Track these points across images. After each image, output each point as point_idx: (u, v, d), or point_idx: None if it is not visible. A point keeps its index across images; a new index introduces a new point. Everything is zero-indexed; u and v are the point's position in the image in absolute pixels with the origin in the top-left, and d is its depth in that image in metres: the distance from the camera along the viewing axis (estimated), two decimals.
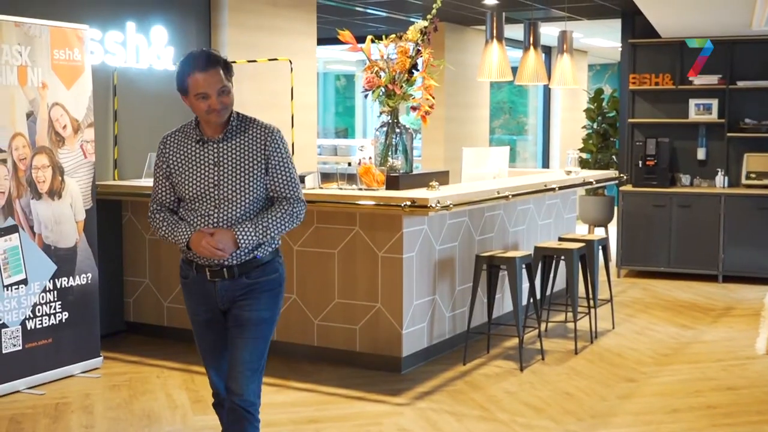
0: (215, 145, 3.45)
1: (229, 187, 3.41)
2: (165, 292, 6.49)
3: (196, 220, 3.43)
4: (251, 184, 3.43)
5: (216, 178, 3.41)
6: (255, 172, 3.44)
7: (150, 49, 6.68)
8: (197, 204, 3.43)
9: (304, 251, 5.89)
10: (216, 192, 3.40)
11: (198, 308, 3.62)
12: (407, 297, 5.64)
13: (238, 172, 3.42)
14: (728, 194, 8.94)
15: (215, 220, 3.41)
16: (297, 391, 5.32)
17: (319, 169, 6.85)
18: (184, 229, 3.44)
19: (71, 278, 5.59)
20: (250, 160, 3.45)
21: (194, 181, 3.43)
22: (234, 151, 3.44)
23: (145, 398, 5.20)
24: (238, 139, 3.46)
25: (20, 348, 5.29)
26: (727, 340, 6.61)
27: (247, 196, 3.43)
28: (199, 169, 3.43)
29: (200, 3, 7.36)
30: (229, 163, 3.43)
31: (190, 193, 3.44)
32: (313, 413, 4.95)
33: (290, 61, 6.97)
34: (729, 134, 9.26)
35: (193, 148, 3.47)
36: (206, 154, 3.45)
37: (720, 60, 9.32)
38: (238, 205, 3.43)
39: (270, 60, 7.23)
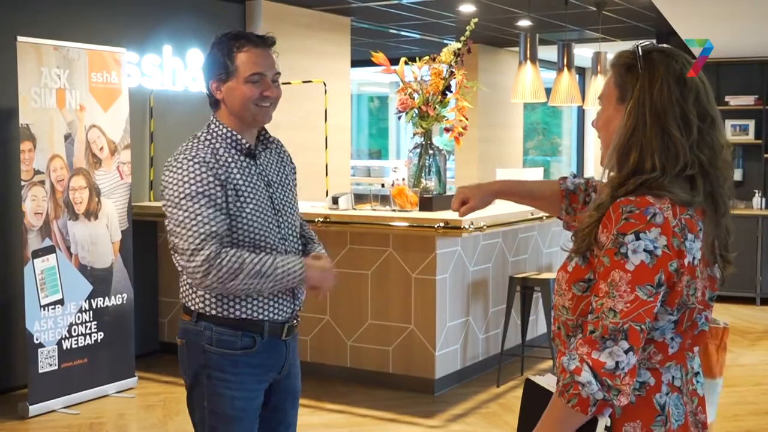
0: (261, 160, 2.71)
1: (287, 214, 2.72)
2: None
3: None
4: (297, 209, 2.81)
5: (272, 203, 2.67)
6: (295, 195, 2.82)
7: (186, 72, 6.76)
8: (261, 239, 2.61)
9: (338, 272, 5.88)
10: (277, 222, 2.68)
11: (257, 390, 2.69)
12: (440, 318, 5.62)
13: (287, 193, 2.75)
14: (766, 216, 8.83)
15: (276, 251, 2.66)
16: (330, 413, 5.32)
17: (352, 190, 6.87)
18: (291, 258, 2.60)
19: (107, 298, 5.64)
20: (289, 180, 2.80)
21: (258, 210, 2.62)
22: (275, 168, 2.75)
23: (180, 419, 5.22)
24: (270, 152, 2.77)
25: (56, 368, 5.34)
26: (765, 364, 6.51)
27: (298, 223, 2.81)
28: (258, 193, 2.63)
29: (236, 25, 7.44)
30: (278, 183, 2.73)
31: (255, 227, 2.60)
32: None
33: (324, 83, 7.02)
34: (766, 155, 9.16)
35: (244, 164, 2.64)
36: (257, 171, 2.67)
37: (756, 80, 9.23)
38: (297, 237, 2.76)
39: (304, 82, 7.28)
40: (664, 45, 1.90)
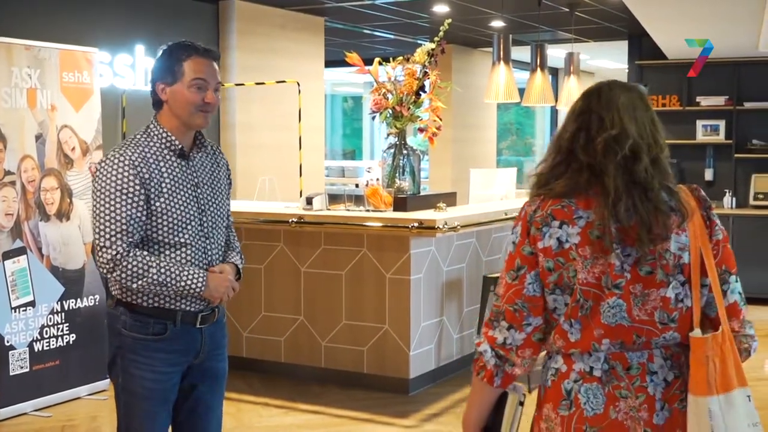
0: (193, 161, 2.87)
1: (212, 214, 2.87)
2: None
3: (179, 256, 2.77)
4: (227, 210, 2.97)
5: (197, 203, 2.83)
6: (226, 197, 2.97)
7: None
8: (182, 236, 2.77)
9: (312, 273, 5.89)
10: (200, 221, 2.82)
11: (168, 372, 2.83)
12: (415, 318, 5.63)
13: (216, 194, 2.91)
14: (736, 215, 8.92)
15: (204, 254, 2.83)
16: (305, 413, 5.31)
17: (326, 191, 6.87)
18: (194, 271, 2.76)
19: (79, 300, 5.60)
20: (221, 182, 2.95)
21: (181, 208, 2.78)
22: (207, 170, 2.90)
23: None
24: (203, 155, 2.92)
25: (27, 370, 5.29)
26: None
27: (225, 224, 2.96)
28: (183, 192, 2.79)
29: (209, 26, 7.41)
30: (207, 184, 2.88)
31: (176, 224, 2.77)
32: None
33: (298, 84, 7.01)
34: (736, 155, 9.25)
35: (175, 164, 2.81)
36: (187, 173, 2.83)
37: (726, 81, 9.33)
38: (222, 236, 2.92)
39: (278, 82, 7.27)
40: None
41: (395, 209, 5.77)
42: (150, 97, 2.89)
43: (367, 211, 5.77)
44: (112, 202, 2.68)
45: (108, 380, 5.72)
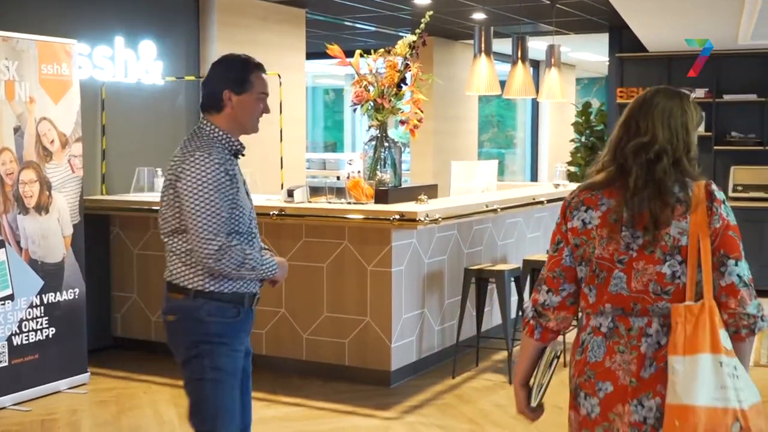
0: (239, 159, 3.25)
1: (252, 205, 3.27)
2: (153, 307, 6.46)
3: (255, 245, 3.22)
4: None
5: (248, 197, 3.24)
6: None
7: (138, 64, 6.68)
8: (252, 226, 3.20)
9: (293, 265, 5.86)
10: (252, 214, 3.23)
11: (240, 350, 3.24)
12: (396, 311, 5.63)
13: (249, 191, 3.30)
14: None
15: (257, 244, 3.24)
16: (286, 406, 5.31)
17: (307, 183, 6.85)
18: (269, 257, 3.21)
19: (58, 293, 5.56)
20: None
21: (248, 202, 3.19)
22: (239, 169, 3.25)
23: (133, 414, 5.18)
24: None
25: (6, 364, 5.25)
26: None
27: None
28: (243, 188, 3.19)
29: (189, 17, 7.37)
30: (243, 179, 3.24)
31: (249, 216, 3.19)
32: (302, 428, 4.93)
33: (279, 76, 6.97)
34: (716, 147, 9.31)
35: (234, 163, 3.17)
36: (239, 170, 3.21)
37: (707, 74, 9.37)
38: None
39: None
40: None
41: (376, 201, 5.77)
42: (206, 99, 3.22)
43: (349, 203, 5.76)
44: (212, 199, 3.00)
45: (88, 374, 5.72)
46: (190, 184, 3.01)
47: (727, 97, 9.23)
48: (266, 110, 3.24)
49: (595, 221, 2.36)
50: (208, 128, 3.15)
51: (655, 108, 2.39)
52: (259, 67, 3.20)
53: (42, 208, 5.47)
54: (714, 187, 2.34)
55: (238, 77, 3.15)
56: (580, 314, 2.46)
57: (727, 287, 2.26)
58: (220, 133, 3.14)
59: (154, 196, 6.40)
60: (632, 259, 2.30)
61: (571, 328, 2.57)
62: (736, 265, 2.27)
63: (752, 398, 2.22)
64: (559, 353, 2.52)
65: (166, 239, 3.16)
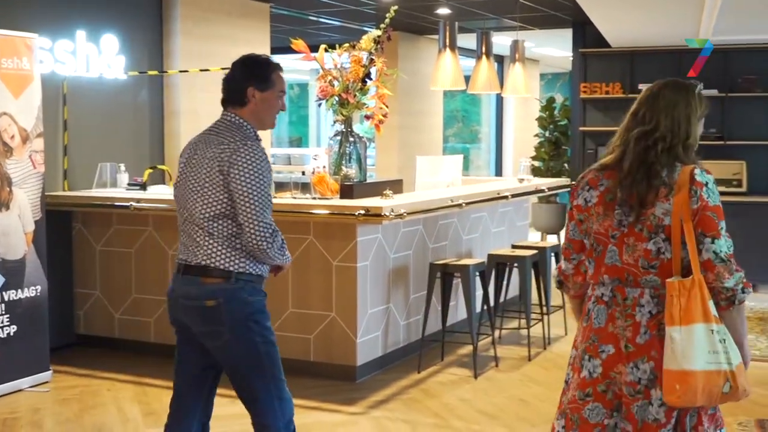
0: None
1: None
2: (116, 303, 6.41)
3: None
4: None
5: None
6: None
7: (100, 58, 6.61)
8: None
9: None
10: None
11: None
12: (361, 306, 5.63)
13: None
14: None
15: None
16: None
17: (273, 178, 6.84)
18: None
19: (20, 291, 5.50)
20: None
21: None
22: None
23: (96, 412, 5.13)
24: None
25: None
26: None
27: None
28: None
29: (152, 12, 7.30)
30: None
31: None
32: None
33: None
34: None
35: None
36: None
37: (669, 68, 9.46)
38: None
39: (223, 69, 7.14)
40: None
41: (342, 197, 5.76)
42: (229, 94, 3.44)
43: (314, 198, 5.75)
44: (264, 187, 3.21)
45: (50, 372, 5.66)
46: (246, 173, 3.19)
47: None
48: (283, 107, 3.45)
49: (594, 200, 2.66)
50: (240, 121, 3.35)
51: (661, 100, 2.66)
52: (279, 67, 3.43)
53: (2, 204, 5.40)
54: (697, 171, 2.55)
55: (262, 75, 3.36)
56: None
57: (704, 263, 2.51)
58: (250, 127, 3.35)
59: (117, 192, 6.34)
60: (623, 235, 2.59)
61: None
62: (713, 242, 2.50)
63: (737, 359, 2.51)
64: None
65: (206, 223, 3.24)
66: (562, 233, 11.02)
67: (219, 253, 3.24)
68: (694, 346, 2.46)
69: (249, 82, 3.35)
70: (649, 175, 2.56)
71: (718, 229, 2.51)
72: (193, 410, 3.54)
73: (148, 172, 6.52)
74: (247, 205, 3.19)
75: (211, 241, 3.24)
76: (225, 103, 3.43)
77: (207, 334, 3.31)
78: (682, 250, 2.52)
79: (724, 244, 2.51)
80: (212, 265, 3.24)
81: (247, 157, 3.21)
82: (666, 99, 2.67)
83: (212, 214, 3.23)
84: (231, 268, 3.25)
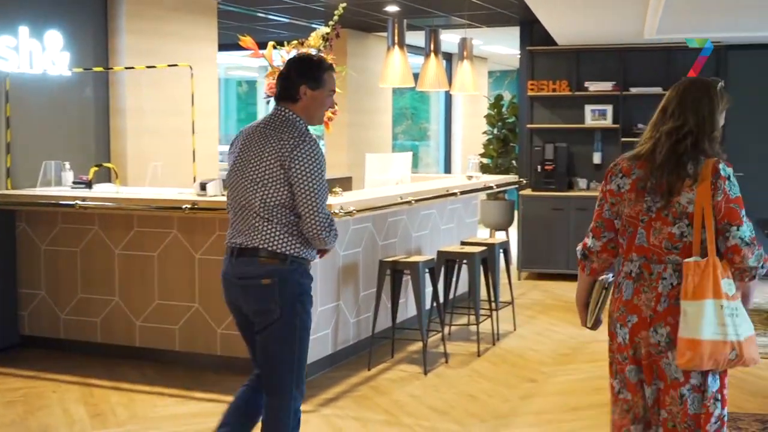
0: None
1: None
2: (62, 303, 6.31)
3: None
4: None
5: None
6: None
7: (44, 55, 6.50)
8: None
9: (207, 259, 5.81)
10: None
11: None
12: None
13: None
14: None
15: None
16: (200, 402, 5.25)
17: (221, 176, 6.77)
18: None
19: None
20: None
21: None
22: None
23: (42, 414, 5.05)
24: None
25: None
26: None
27: None
28: None
29: (97, 8, 7.20)
30: None
31: None
32: (216, 424, 4.87)
33: (191, 67, 6.88)
34: (623, 139, 9.54)
35: None
36: None
37: (614, 67, 9.61)
38: None
39: (170, 66, 7.12)
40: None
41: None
42: (283, 91, 3.63)
43: None
44: (322, 181, 3.49)
45: None
46: (306, 168, 3.45)
47: (633, 90, 9.47)
48: (332, 105, 3.72)
49: (626, 186, 3.00)
50: (293, 116, 3.58)
51: (687, 97, 2.97)
52: (331, 68, 3.68)
53: None
54: (721, 165, 2.89)
55: (315, 75, 3.60)
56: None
57: (732, 248, 2.86)
58: (303, 122, 3.59)
59: (62, 191, 6.25)
60: (651, 219, 2.95)
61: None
62: (738, 230, 2.86)
63: (748, 331, 2.88)
64: (607, 285, 3.16)
65: (266, 211, 3.49)
66: (511, 229, 11.11)
67: (276, 237, 3.50)
68: (703, 319, 2.82)
69: (302, 80, 3.58)
70: (677, 167, 2.90)
71: (740, 217, 2.87)
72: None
73: (93, 170, 6.43)
74: (308, 198, 3.46)
75: (269, 227, 3.50)
76: (278, 98, 3.64)
77: (258, 312, 3.55)
78: (702, 234, 2.87)
79: (747, 230, 2.88)
80: (270, 248, 3.49)
81: (307, 153, 3.46)
82: (692, 97, 2.98)
83: (272, 203, 3.48)
84: (287, 252, 3.51)
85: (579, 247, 3.17)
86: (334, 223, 3.56)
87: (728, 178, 2.88)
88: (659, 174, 2.93)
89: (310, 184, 3.46)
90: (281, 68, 3.67)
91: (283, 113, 3.59)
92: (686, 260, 2.86)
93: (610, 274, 3.18)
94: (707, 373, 2.91)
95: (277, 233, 3.50)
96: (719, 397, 2.95)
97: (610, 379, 3.18)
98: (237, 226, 3.60)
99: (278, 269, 3.50)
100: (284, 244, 3.51)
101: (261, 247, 3.50)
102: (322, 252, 3.71)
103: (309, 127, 3.61)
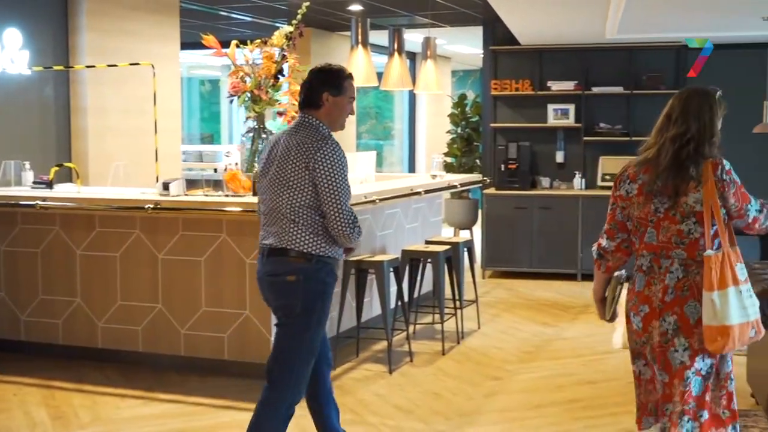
0: None
1: None
2: (22, 305, 6.23)
3: None
4: None
5: None
6: None
7: (3, 53, 6.42)
8: None
9: (170, 259, 5.77)
10: None
11: None
12: None
13: None
14: (585, 195, 9.29)
15: None
16: (163, 403, 5.21)
17: (184, 176, 6.75)
18: None
19: None
20: None
21: None
22: None
23: (2, 417, 4.98)
24: None
25: None
26: (586, 336, 6.86)
27: None
28: None
29: (57, 5, 7.12)
30: None
31: None
32: (180, 425, 4.86)
33: (153, 66, 6.82)
34: (585, 138, 9.62)
35: None
36: None
37: (575, 67, 9.68)
38: None
39: (131, 64, 7.06)
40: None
41: (255, 194, 5.71)
42: (306, 98, 3.85)
43: (226, 196, 5.70)
44: (345, 180, 3.70)
45: None
46: (328, 169, 3.67)
47: (595, 90, 9.55)
48: (352, 112, 3.92)
49: (634, 191, 3.30)
50: (316, 122, 3.80)
51: (690, 105, 3.25)
52: (351, 76, 3.92)
53: None
54: (724, 162, 3.19)
55: (336, 83, 3.83)
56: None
57: (752, 221, 3.29)
58: (325, 126, 3.80)
59: (22, 191, 6.17)
60: (660, 219, 3.24)
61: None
62: (750, 205, 3.26)
63: (757, 310, 3.21)
64: (622, 280, 3.45)
65: (292, 212, 3.70)
66: (475, 228, 11.16)
67: (303, 238, 3.71)
68: (730, 306, 3.11)
69: (324, 87, 3.81)
70: (681, 171, 3.19)
71: (749, 196, 3.26)
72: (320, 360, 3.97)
73: (54, 170, 6.36)
74: (331, 197, 3.67)
75: (296, 228, 3.71)
76: (302, 105, 3.86)
77: (281, 307, 3.79)
78: (712, 228, 3.16)
79: (755, 202, 3.29)
80: (297, 248, 3.71)
81: (329, 154, 3.67)
82: (694, 105, 3.25)
83: (298, 205, 3.70)
84: (313, 251, 3.72)
85: (594, 248, 3.45)
86: (357, 221, 3.75)
87: (731, 170, 3.19)
88: (665, 177, 3.21)
89: (334, 184, 3.67)
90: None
91: (306, 119, 3.80)
92: (707, 254, 3.15)
93: (624, 271, 3.47)
94: (718, 357, 3.23)
95: (304, 234, 3.71)
96: (732, 376, 3.30)
97: (632, 365, 3.44)
98: (267, 228, 3.82)
99: (303, 267, 3.72)
100: (311, 245, 3.72)
101: (289, 247, 3.72)
102: (347, 250, 3.92)
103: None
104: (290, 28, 5.93)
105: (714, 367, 3.24)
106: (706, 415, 3.23)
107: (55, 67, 6.95)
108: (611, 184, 10.09)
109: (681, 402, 3.21)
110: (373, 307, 6.80)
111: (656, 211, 3.24)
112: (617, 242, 3.39)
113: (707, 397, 3.24)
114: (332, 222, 3.70)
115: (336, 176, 3.68)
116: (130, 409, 5.13)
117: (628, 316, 3.39)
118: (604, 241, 3.42)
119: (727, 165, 3.21)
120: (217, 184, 6.05)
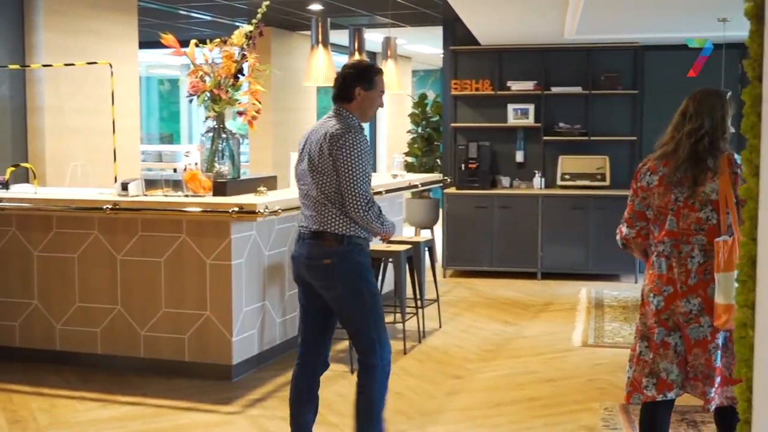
0: None
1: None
2: None
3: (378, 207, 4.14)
4: None
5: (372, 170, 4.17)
6: None
7: None
8: (372, 192, 4.15)
9: (129, 260, 5.72)
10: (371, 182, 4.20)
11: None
12: (237, 304, 5.58)
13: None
14: (545, 195, 9.36)
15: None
16: (123, 405, 5.17)
17: (143, 176, 6.69)
18: (390, 220, 4.18)
19: None
20: None
21: (371, 174, 4.12)
22: None
23: None
24: None
25: None
26: (546, 335, 6.92)
27: None
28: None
29: (13, 4, 7.02)
30: None
31: (371, 184, 4.15)
32: (140, 427, 4.82)
33: (110, 65, 6.76)
34: (545, 138, 9.70)
35: None
36: None
37: (535, 67, 9.75)
38: None
39: (89, 63, 6.98)
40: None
41: (215, 194, 5.69)
42: (339, 92, 4.11)
43: (186, 196, 5.66)
44: (363, 165, 3.94)
45: None
46: (347, 153, 3.92)
47: (554, 90, 9.63)
48: (381, 105, 4.19)
49: (654, 182, 3.58)
50: (347, 113, 4.07)
51: (703, 104, 3.57)
52: (381, 72, 4.17)
53: None
54: (735, 156, 3.47)
55: (368, 77, 4.10)
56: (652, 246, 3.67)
57: None
58: (356, 119, 4.08)
59: None
60: (679, 208, 3.53)
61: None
62: None
63: None
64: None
65: (322, 197, 3.98)
66: (436, 228, 11.20)
67: (334, 221, 3.99)
68: (734, 286, 3.22)
69: (356, 82, 4.07)
70: (699, 162, 3.49)
71: None
72: (318, 348, 4.26)
73: (10, 170, 6.27)
74: (348, 180, 3.92)
75: (326, 212, 3.99)
76: (335, 98, 4.12)
77: (325, 287, 4.07)
78: (728, 217, 3.43)
79: None
80: (328, 230, 3.99)
81: (351, 141, 3.93)
82: (707, 103, 3.57)
83: (328, 191, 3.97)
84: (343, 233, 3.99)
85: (618, 237, 3.75)
86: (374, 205, 3.99)
87: (742, 165, 3.34)
88: (684, 168, 3.52)
89: (352, 168, 3.92)
90: (337, 72, 4.16)
91: (339, 111, 4.08)
92: (716, 240, 3.41)
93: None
94: (731, 335, 3.46)
95: (334, 217, 3.99)
96: None
97: (634, 342, 3.70)
98: (303, 212, 4.13)
99: (336, 250, 4.00)
100: (341, 227, 3.99)
101: (322, 230, 4.00)
102: (384, 236, 4.16)
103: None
104: (250, 28, 5.91)
105: (727, 338, 3.51)
106: (719, 380, 3.50)
107: (11, 66, 6.86)
108: (571, 183, 10.25)
109: (706, 368, 3.49)
110: None
111: (676, 200, 3.53)
112: (637, 229, 3.66)
113: (721, 364, 3.51)
114: (348, 204, 3.95)
115: (354, 161, 3.92)
116: (89, 412, 5.08)
117: (646, 299, 3.65)
118: (625, 229, 3.70)
119: (739, 160, 3.37)
120: (176, 185, 6.01)
